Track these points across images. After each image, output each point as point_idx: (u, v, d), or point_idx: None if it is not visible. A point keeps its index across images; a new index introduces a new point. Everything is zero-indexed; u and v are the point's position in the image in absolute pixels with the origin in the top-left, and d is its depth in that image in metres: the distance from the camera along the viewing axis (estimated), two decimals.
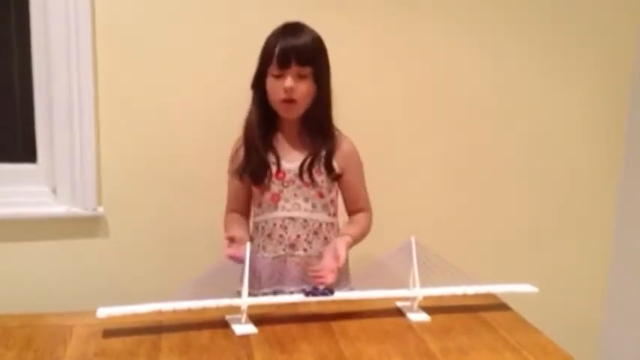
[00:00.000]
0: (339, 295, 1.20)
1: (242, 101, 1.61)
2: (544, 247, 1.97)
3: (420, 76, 1.77)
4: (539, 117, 1.89)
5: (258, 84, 1.36)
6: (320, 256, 1.35)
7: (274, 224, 1.37)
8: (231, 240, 1.26)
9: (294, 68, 1.29)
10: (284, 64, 1.29)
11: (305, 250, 1.37)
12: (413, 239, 1.22)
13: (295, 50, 1.29)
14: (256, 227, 1.41)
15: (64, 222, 1.57)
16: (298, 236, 1.37)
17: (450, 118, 1.81)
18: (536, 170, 1.92)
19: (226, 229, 1.39)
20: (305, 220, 1.37)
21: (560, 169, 1.94)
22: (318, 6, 1.59)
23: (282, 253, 1.37)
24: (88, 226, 1.59)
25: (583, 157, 1.96)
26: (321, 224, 1.39)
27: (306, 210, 1.37)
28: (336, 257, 1.25)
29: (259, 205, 1.40)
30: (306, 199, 1.37)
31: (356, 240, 1.36)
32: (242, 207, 1.44)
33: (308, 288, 1.20)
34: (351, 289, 1.41)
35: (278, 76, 1.31)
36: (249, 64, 1.60)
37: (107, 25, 1.51)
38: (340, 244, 1.29)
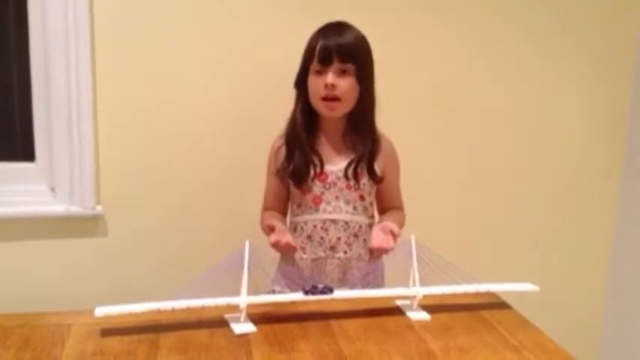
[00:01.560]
0: (338, 293, 1.20)
1: (242, 101, 1.61)
2: (544, 246, 1.96)
3: (419, 76, 1.76)
4: (539, 117, 1.88)
5: (302, 83, 1.35)
6: (360, 258, 1.36)
7: (314, 226, 1.36)
8: (271, 229, 1.26)
9: (336, 65, 1.28)
10: (326, 60, 1.28)
11: (345, 252, 1.36)
12: (413, 238, 1.22)
13: (337, 46, 1.28)
14: (294, 227, 1.38)
15: (62, 221, 1.56)
16: (339, 239, 1.35)
17: (449, 118, 1.81)
18: (537, 170, 1.91)
19: (267, 223, 1.34)
20: (346, 223, 1.35)
21: (560, 169, 1.93)
22: (317, 6, 1.58)
23: (323, 255, 1.35)
24: (86, 225, 1.58)
25: (584, 158, 1.95)
26: (361, 226, 1.37)
27: (347, 212, 1.35)
28: (387, 228, 1.26)
29: (299, 206, 1.38)
30: (348, 202, 1.35)
31: None
32: (280, 206, 1.42)
33: (308, 287, 1.20)
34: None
35: (319, 73, 1.30)
36: (250, 65, 1.61)
37: (106, 24, 1.51)
38: (384, 223, 1.30)
